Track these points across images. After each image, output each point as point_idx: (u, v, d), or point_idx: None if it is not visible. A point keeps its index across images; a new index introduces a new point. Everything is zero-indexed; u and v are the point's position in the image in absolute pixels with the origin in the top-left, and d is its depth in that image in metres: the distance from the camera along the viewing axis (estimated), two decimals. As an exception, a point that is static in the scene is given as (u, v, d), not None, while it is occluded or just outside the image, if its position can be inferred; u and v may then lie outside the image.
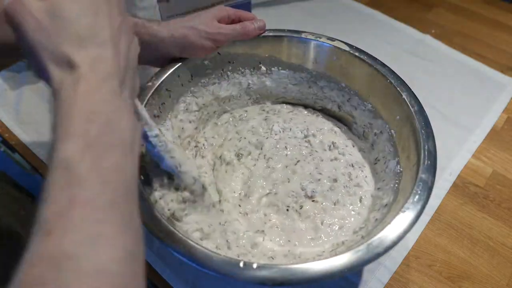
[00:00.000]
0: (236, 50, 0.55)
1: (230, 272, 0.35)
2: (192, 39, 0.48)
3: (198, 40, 0.48)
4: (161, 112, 0.51)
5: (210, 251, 0.36)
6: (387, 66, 0.51)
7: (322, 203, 0.48)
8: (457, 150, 0.60)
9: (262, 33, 0.53)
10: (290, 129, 0.55)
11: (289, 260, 0.44)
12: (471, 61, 0.73)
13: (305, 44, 0.55)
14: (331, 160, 0.52)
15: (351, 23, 0.80)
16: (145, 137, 0.39)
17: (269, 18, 0.54)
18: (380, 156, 0.51)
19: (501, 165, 0.59)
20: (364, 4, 0.84)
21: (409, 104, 0.47)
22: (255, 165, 0.52)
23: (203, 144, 0.56)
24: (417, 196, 0.39)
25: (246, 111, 0.60)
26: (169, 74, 0.50)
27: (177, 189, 0.45)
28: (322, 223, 0.47)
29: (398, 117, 0.49)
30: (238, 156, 0.53)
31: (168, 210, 0.43)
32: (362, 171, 0.52)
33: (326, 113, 0.60)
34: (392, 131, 0.50)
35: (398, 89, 0.48)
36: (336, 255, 0.35)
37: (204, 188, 0.46)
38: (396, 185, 0.45)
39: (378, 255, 0.35)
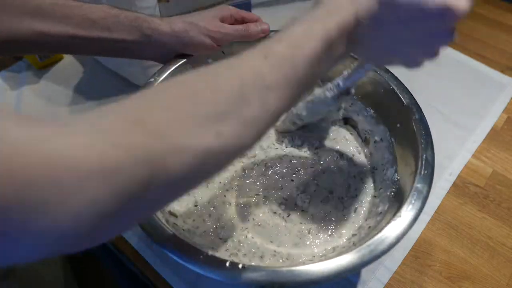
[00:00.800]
0: (239, 50, 0.55)
1: (225, 274, 0.35)
2: (192, 34, 0.48)
3: (198, 36, 0.48)
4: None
5: (205, 250, 0.36)
6: (391, 72, 0.51)
7: (311, 214, 0.48)
8: (457, 150, 0.60)
9: (265, 36, 0.52)
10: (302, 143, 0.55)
11: (277, 259, 0.44)
12: (471, 61, 0.73)
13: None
14: (333, 172, 0.52)
15: (351, 23, 0.80)
16: None
17: (269, 18, 0.54)
18: (379, 163, 0.51)
19: (501, 165, 0.59)
20: (364, 4, 0.84)
21: (410, 112, 0.47)
22: (252, 168, 0.52)
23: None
24: (410, 206, 0.39)
25: None
26: (171, 71, 0.51)
27: None
28: (308, 231, 0.46)
29: (398, 124, 0.48)
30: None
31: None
32: (362, 181, 0.51)
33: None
34: (392, 138, 0.50)
35: (400, 96, 0.48)
36: (327, 259, 0.35)
37: None
38: (392, 193, 0.45)
39: (377, 257, 0.35)
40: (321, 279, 0.34)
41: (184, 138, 0.24)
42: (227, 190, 0.50)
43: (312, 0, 0.84)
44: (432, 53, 0.33)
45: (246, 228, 0.46)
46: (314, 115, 0.51)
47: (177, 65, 0.51)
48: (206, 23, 0.48)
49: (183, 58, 0.51)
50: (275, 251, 0.45)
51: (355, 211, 0.48)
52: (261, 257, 0.44)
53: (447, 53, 0.74)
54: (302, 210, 0.48)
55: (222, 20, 0.50)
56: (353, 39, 0.33)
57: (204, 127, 0.25)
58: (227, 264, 0.35)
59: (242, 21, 0.52)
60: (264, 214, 0.47)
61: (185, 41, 0.49)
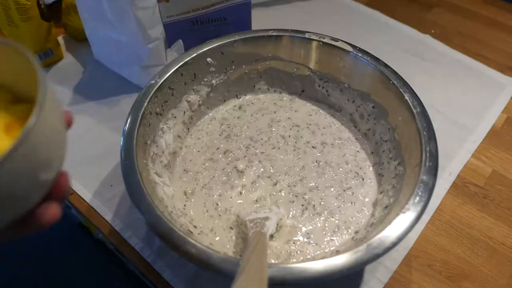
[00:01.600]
0: (239, 50, 0.55)
1: (228, 271, 0.35)
2: None
3: None
4: (163, 110, 0.51)
5: (210, 250, 0.36)
6: (390, 67, 0.51)
7: (316, 211, 0.48)
8: (457, 150, 0.60)
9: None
10: (302, 136, 0.55)
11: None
12: (471, 61, 0.73)
13: (308, 44, 0.55)
14: (336, 167, 0.52)
15: (351, 23, 0.80)
16: None
17: (269, 18, 0.55)
18: (382, 158, 0.51)
19: (501, 165, 0.59)
20: (364, 4, 0.84)
21: (411, 106, 0.47)
22: (254, 169, 0.52)
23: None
24: (417, 198, 0.39)
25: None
26: (172, 73, 0.51)
27: None
28: (314, 228, 0.47)
29: (400, 118, 0.49)
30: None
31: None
32: (366, 176, 0.51)
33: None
34: (395, 132, 0.50)
35: (401, 90, 0.48)
36: (329, 256, 0.36)
37: None
38: (398, 186, 0.45)
39: (378, 256, 0.36)
40: (320, 278, 0.34)
41: None
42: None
43: (312, 0, 0.84)
44: None
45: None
46: None
47: (177, 66, 0.51)
48: None
49: (183, 60, 0.52)
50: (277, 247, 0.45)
51: (359, 207, 0.48)
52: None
53: (447, 53, 0.74)
54: (307, 208, 0.48)
55: None
56: None
57: None
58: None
59: None
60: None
61: None
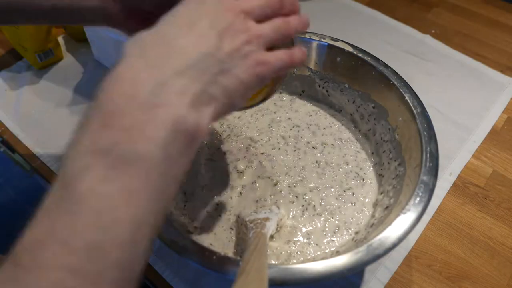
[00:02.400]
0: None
1: (228, 271, 0.35)
2: None
3: None
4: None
5: (210, 250, 0.36)
6: (390, 67, 0.51)
7: (316, 212, 0.48)
8: (457, 150, 0.60)
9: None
10: (302, 137, 0.55)
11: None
12: (471, 61, 0.73)
13: (309, 44, 0.55)
14: (336, 168, 0.52)
15: (351, 23, 0.80)
16: None
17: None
18: (382, 158, 0.51)
19: (501, 165, 0.59)
20: (364, 4, 0.84)
21: (412, 106, 0.47)
22: (252, 165, 0.52)
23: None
24: (418, 198, 0.39)
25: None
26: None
27: None
28: (314, 229, 0.47)
29: (400, 118, 0.49)
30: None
31: None
32: (366, 177, 0.51)
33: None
34: (395, 133, 0.50)
35: (401, 90, 0.48)
36: (329, 257, 0.36)
37: None
38: (398, 186, 0.45)
39: (378, 257, 0.35)
40: (320, 278, 0.34)
41: None
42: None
43: (312, 0, 0.84)
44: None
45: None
46: None
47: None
48: None
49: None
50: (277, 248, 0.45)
51: (359, 207, 0.48)
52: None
53: (447, 53, 0.74)
54: (307, 209, 0.48)
55: None
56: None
57: None
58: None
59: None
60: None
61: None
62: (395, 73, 0.50)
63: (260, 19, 0.30)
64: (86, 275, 0.19)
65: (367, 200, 0.49)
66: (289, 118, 0.58)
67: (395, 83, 0.49)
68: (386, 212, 0.43)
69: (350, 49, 0.53)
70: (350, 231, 0.46)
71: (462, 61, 0.73)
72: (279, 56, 0.30)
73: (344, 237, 0.46)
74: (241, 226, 0.46)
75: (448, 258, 0.50)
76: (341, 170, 0.52)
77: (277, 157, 0.53)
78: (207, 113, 0.25)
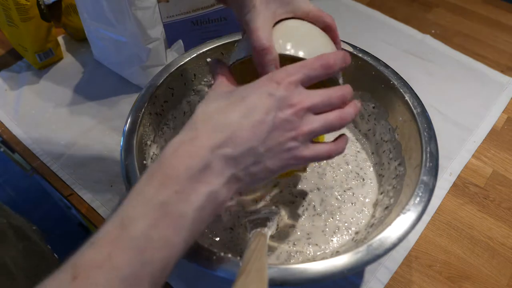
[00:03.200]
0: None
1: (228, 271, 0.35)
2: None
3: None
4: (163, 110, 0.51)
5: (210, 250, 0.36)
6: (390, 68, 0.51)
7: (316, 212, 0.48)
8: (457, 150, 0.60)
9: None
10: None
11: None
12: (471, 61, 0.73)
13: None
14: (336, 168, 0.52)
15: (351, 23, 0.80)
16: None
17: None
18: (382, 158, 0.51)
19: (501, 165, 0.59)
20: (364, 4, 0.84)
21: (412, 106, 0.47)
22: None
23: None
24: (418, 198, 0.39)
25: None
26: (172, 73, 0.51)
27: None
28: (313, 229, 0.47)
29: (400, 118, 0.49)
30: None
31: None
32: (366, 177, 0.51)
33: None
34: (395, 133, 0.50)
35: (401, 90, 0.48)
36: (330, 257, 0.35)
37: None
38: (398, 187, 0.45)
39: (378, 257, 0.35)
40: (320, 278, 0.34)
41: None
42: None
43: (312, 0, 0.84)
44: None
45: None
46: None
47: (177, 66, 0.51)
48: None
49: (183, 60, 0.51)
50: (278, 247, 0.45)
51: (360, 208, 0.48)
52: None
53: (447, 53, 0.74)
54: (307, 209, 0.48)
55: None
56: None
57: None
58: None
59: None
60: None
61: None
62: (395, 73, 0.50)
63: (318, 113, 0.33)
64: None
65: (367, 200, 0.49)
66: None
67: (395, 83, 0.49)
68: (386, 212, 0.43)
69: (350, 49, 0.53)
70: (350, 231, 0.46)
71: (462, 61, 0.73)
72: (318, 150, 0.34)
73: (344, 237, 0.46)
74: (241, 226, 0.46)
75: (448, 258, 0.50)
76: (341, 170, 0.52)
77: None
78: (233, 189, 0.31)
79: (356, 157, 0.53)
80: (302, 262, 0.41)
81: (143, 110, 0.47)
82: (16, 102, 0.65)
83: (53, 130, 0.62)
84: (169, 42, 0.64)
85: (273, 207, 0.48)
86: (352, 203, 0.49)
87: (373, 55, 0.53)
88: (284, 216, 0.47)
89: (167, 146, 0.30)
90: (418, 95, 0.48)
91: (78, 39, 0.74)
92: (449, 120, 0.63)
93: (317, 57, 0.33)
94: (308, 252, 0.45)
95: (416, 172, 0.42)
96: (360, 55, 0.53)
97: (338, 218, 0.47)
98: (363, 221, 0.47)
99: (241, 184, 0.31)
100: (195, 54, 0.53)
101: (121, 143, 0.44)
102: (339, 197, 0.49)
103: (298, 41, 0.36)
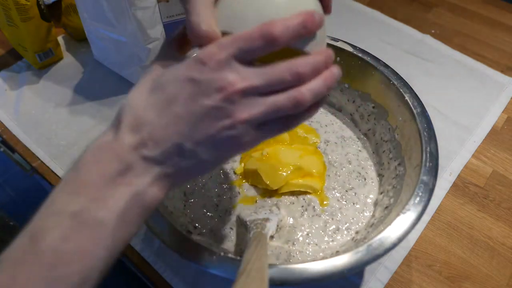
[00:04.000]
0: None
1: (228, 271, 0.35)
2: None
3: None
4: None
5: (210, 249, 0.36)
6: (390, 67, 0.51)
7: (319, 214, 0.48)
8: (457, 150, 0.60)
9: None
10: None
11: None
12: (471, 61, 0.73)
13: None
14: (341, 169, 0.52)
15: (351, 23, 0.80)
16: None
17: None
18: (382, 158, 0.51)
19: (501, 165, 0.59)
20: (364, 4, 0.84)
21: (411, 106, 0.47)
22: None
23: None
24: (418, 198, 0.39)
25: None
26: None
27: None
28: (314, 228, 0.47)
29: (400, 118, 0.49)
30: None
31: None
32: (367, 177, 0.51)
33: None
34: (395, 132, 0.50)
35: (401, 90, 0.48)
36: (329, 257, 0.36)
37: None
38: (398, 186, 0.45)
39: (378, 257, 0.35)
40: (320, 278, 0.34)
41: None
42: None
43: None
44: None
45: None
46: None
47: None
48: None
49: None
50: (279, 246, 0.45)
51: (360, 207, 0.48)
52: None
53: (447, 53, 0.74)
54: (306, 209, 0.48)
55: None
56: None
57: None
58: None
59: None
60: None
61: None
62: (395, 73, 0.50)
63: (266, 93, 0.27)
64: None
65: (368, 200, 0.49)
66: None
67: (395, 83, 0.49)
68: (386, 212, 0.43)
69: (350, 49, 0.53)
70: (350, 231, 0.46)
71: (462, 61, 0.73)
72: (271, 132, 0.28)
73: (344, 237, 0.46)
74: (241, 226, 0.46)
75: (448, 258, 0.50)
76: (344, 169, 0.52)
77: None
78: (164, 187, 0.28)
79: (357, 156, 0.53)
80: (302, 262, 0.41)
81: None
82: (16, 102, 0.65)
83: (53, 130, 0.62)
84: (169, 42, 0.64)
85: (273, 208, 0.48)
86: (353, 203, 0.49)
87: (373, 55, 0.53)
88: (284, 217, 0.47)
89: (85, 149, 0.28)
90: (418, 95, 0.48)
91: (78, 39, 0.74)
92: (449, 120, 0.63)
93: (260, 26, 0.26)
94: (308, 252, 0.45)
95: (416, 172, 0.42)
96: (360, 55, 0.53)
97: (338, 218, 0.47)
98: (363, 221, 0.47)
99: (174, 180, 0.28)
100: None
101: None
102: (340, 197, 0.49)
103: (248, 5, 0.28)
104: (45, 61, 0.69)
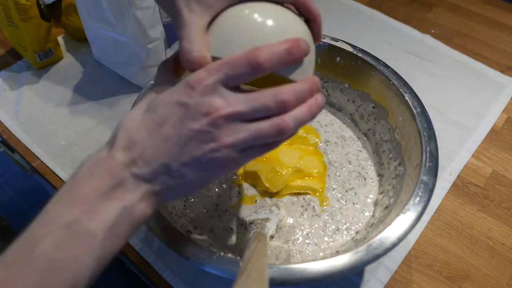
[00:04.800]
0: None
1: (228, 271, 0.35)
2: None
3: None
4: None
5: (210, 250, 0.36)
6: (390, 67, 0.51)
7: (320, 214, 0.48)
8: (457, 150, 0.60)
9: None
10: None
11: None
12: (471, 61, 0.73)
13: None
14: (341, 169, 0.52)
15: (351, 23, 0.80)
16: None
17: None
18: (382, 158, 0.51)
19: (501, 165, 0.59)
20: (364, 4, 0.84)
21: (411, 106, 0.47)
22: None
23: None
24: (418, 198, 0.39)
25: None
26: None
27: None
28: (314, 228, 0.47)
29: (400, 118, 0.49)
30: None
31: None
32: (367, 176, 0.51)
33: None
34: (395, 132, 0.50)
35: (401, 90, 0.48)
36: (329, 257, 0.36)
37: None
38: (398, 186, 0.45)
39: (378, 256, 0.35)
40: (320, 278, 0.34)
41: None
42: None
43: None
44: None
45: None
46: None
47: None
48: None
49: None
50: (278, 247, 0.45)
51: (360, 207, 0.48)
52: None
53: (447, 53, 0.74)
54: (306, 209, 0.48)
55: None
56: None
57: None
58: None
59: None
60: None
61: None
62: (395, 73, 0.50)
63: (251, 120, 0.28)
64: None
65: (368, 200, 0.49)
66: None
67: (395, 83, 0.49)
68: (386, 212, 0.43)
69: (350, 49, 0.53)
70: (350, 231, 0.46)
71: (462, 61, 0.73)
72: (247, 155, 0.29)
73: (344, 237, 0.46)
74: (241, 226, 0.46)
75: (448, 258, 0.50)
76: (343, 169, 0.52)
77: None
78: (153, 204, 0.29)
79: (357, 156, 0.53)
80: (302, 262, 0.41)
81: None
82: (16, 102, 0.65)
83: (53, 130, 0.62)
84: (169, 42, 0.64)
85: (273, 207, 0.48)
86: (353, 203, 0.49)
87: (373, 55, 0.53)
88: (284, 217, 0.47)
89: (82, 163, 0.29)
90: (418, 95, 0.48)
91: (78, 39, 0.74)
92: (449, 120, 0.63)
93: (246, 52, 0.27)
94: (307, 252, 0.45)
95: (416, 172, 0.42)
96: (360, 55, 0.53)
97: (338, 219, 0.47)
98: (363, 221, 0.47)
99: (162, 198, 0.30)
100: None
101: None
102: (340, 198, 0.49)
103: (237, 33, 0.29)
104: (45, 61, 0.69)
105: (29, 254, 0.26)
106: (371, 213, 0.48)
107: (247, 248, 0.34)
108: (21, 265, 0.25)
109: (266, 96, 0.27)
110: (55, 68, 0.71)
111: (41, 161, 0.58)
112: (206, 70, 0.27)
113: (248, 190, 0.50)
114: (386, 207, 0.44)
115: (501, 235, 0.52)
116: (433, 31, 0.78)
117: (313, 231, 0.46)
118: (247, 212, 0.47)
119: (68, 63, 0.72)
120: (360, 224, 0.47)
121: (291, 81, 0.29)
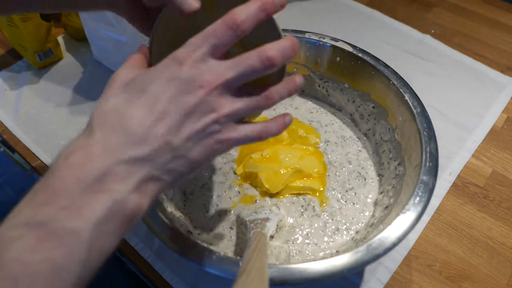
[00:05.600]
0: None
1: (228, 271, 0.35)
2: None
3: None
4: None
5: (210, 250, 0.36)
6: (390, 67, 0.51)
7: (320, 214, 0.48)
8: (457, 150, 0.60)
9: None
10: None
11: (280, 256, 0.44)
12: (471, 61, 0.73)
13: (309, 44, 0.55)
14: (341, 169, 0.52)
15: (351, 23, 0.80)
16: None
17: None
18: (382, 158, 0.51)
19: (501, 165, 0.59)
20: (364, 4, 0.84)
21: (411, 106, 0.47)
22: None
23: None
24: (418, 198, 0.39)
25: None
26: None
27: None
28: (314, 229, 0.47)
29: (400, 118, 0.49)
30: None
31: None
32: (367, 177, 0.51)
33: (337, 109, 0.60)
34: (395, 132, 0.50)
35: (401, 90, 0.48)
36: (329, 257, 0.36)
37: None
38: (398, 186, 0.45)
39: (378, 256, 0.35)
40: (320, 278, 0.34)
41: None
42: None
43: (312, 0, 0.84)
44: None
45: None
46: None
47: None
48: None
49: None
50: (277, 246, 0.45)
51: (360, 207, 0.48)
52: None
53: (447, 53, 0.74)
54: (306, 209, 0.48)
55: None
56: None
57: None
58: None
59: None
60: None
61: None
62: (395, 73, 0.50)
63: (241, 85, 0.28)
64: None
65: (368, 200, 0.49)
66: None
67: (395, 83, 0.49)
68: (386, 211, 0.43)
69: (350, 49, 0.53)
70: (350, 231, 0.46)
71: (462, 61, 0.73)
72: (246, 131, 0.30)
73: (344, 237, 0.46)
74: (241, 226, 0.46)
75: (448, 258, 0.50)
76: (343, 169, 0.52)
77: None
78: (150, 193, 0.27)
79: (357, 156, 0.53)
80: (302, 262, 0.41)
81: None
82: (16, 102, 0.65)
83: (53, 130, 0.62)
84: (169, 42, 0.64)
85: (273, 207, 0.48)
86: (353, 203, 0.49)
87: (373, 55, 0.53)
88: (284, 216, 0.47)
89: (58, 155, 0.26)
90: (418, 95, 0.48)
91: (78, 39, 0.74)
92: (449, 120, 0.63)
93: (222, 18, 0.27)
94: (307, 252, 0.45)
95: (416, 172, 0.42)
96: (360, 55, 0.53)
97: (338, 219, 0.47)
98: (363, 221, 0.47)
99: (162, 183, 0.27)
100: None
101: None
102: (340, 198, 0.49)
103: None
104: (45, 61, 0.69)
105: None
106: (371, 213, 0.48)
107: (247, 248, 0.34)
108: None
109: (255, 59, 0.28)
110: (55, 68, 0.71)
111: (41, 161, 0.58)
112: (190, 44, 0.27)
113: (248, 190, 0.50)
114: (386, 207, 0.44)
115: (501, 235, 0.52)
116: (433, 31, 0.78)
117: (313, 231, 0.46)
118: (247, 212, 0.47)
119: (68, 63, 0.72)
120: (360, 224, 0.47)
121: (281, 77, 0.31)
